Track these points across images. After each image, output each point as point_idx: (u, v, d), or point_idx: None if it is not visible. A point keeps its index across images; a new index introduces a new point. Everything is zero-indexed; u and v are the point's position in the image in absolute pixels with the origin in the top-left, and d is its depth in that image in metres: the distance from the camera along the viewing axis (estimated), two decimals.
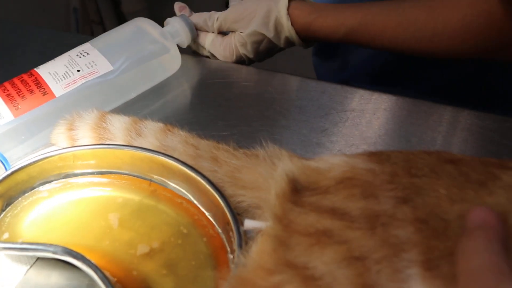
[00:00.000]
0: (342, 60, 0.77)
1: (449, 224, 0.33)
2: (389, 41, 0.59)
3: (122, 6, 1.99)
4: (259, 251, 0.34)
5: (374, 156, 0.38)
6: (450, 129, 0.56)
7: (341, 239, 0.33)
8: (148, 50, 0.60)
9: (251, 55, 0.65)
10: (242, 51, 0.65)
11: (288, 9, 0.61)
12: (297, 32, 0.62)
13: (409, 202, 0.34)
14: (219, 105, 0.59)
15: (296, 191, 0.37)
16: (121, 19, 2.01)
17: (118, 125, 0.50)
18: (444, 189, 0.35)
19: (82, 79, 0.55)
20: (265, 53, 0.66)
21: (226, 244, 0.43)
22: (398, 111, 0.58)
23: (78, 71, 0.55)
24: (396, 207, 0.34)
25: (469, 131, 0.56)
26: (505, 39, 0.53)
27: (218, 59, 0.67)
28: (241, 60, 0.67)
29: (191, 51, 0.69)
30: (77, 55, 0.57)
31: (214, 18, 0.64)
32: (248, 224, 0.40)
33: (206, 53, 0.68)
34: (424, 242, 0.32)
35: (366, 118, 0.56)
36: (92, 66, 0.56)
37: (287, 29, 0.62)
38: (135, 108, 0.59)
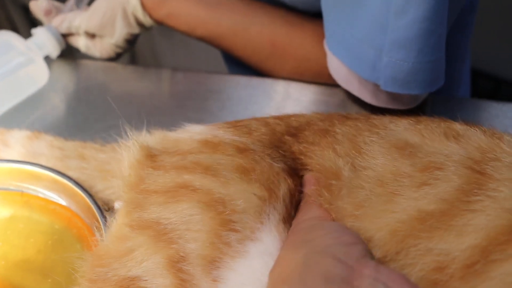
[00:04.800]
0: None
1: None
2: (238, 56, 0.62)
3: None
4: (116, 224, 0.35)
5: (234, 128, 0.39)
6: (312, 106, 0.58)
7: (201, 186, 0.34)
8: (12, 63, 0.58)
9: (127, 48, 0.66)
10: (118, 50, 0.65)
11: (141, 2, 0.61)
12: (157, 22, 0.63)
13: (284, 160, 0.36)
14: (96, 107, 0.59)
15: (153, 156, 0.37)
16: (35, 25, 1.91)
17: None
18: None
19: None
20: (136, 39, 0.67)
21: None
22: (274, 94, 0.59)
23: None
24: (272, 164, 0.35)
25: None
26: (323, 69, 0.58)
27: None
28: (119, 54, 0.67)
29: (67, 56, 0.68)
30: None
31: (76, 26, 0.63)
32: (117, 206, 0.40)
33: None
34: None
35: (242, 105, 0.57)
36: None
37: (148, 22, 0.63)
38: (12, 121, 0.57)
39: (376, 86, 0.50)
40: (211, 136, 0.39)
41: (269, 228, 0.33)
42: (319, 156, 0.37)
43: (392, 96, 0.51)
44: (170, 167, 0.36)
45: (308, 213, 0.35)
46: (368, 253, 0.30)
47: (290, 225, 0.34)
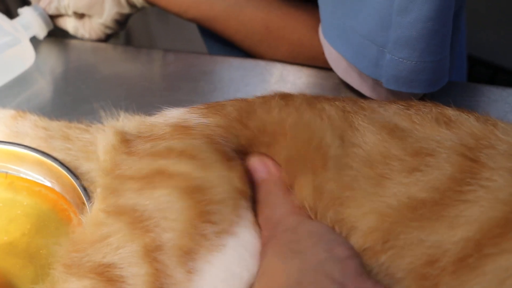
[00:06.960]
0: None
1: None
2: (231, 39, 0.60)
3: None
4: (92, 210, 0.34)
5: (210, 108, 0.38)
6: (306, 89, 0.57)
7: (177, 171, 0.32)
8: None
9: (117, 29, 0.65)
10: (107, 31, 0.63)
11: None
12: (148, 2, 0.61)
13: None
14: (86, 88, 0.57)
15: (128, 141, 0.36)
16: (28, 4, 1.87)
17: None
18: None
19: None
20: (126, 20, 0.65)
21: None
22: (267, 76, 0.58)
23: None
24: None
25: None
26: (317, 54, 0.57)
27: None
28: (109, 36, 0.65)
29: (56, 36, 0.67)
30: None
31: (65, 5, 0.61)
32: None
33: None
34: None
35: (234, 87, 0.56)
36: None
37: (139, 2, 0.61)
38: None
39: (376, 81, 0.49)
40: (182, 120, 0.38)
41: (245, 223, 0.32)
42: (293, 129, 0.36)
43: (393, 91, 0.50)
44: (144, 154, 0.35)
45: (278, 208, 0.33)
46: (364, 269, 0.29)
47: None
